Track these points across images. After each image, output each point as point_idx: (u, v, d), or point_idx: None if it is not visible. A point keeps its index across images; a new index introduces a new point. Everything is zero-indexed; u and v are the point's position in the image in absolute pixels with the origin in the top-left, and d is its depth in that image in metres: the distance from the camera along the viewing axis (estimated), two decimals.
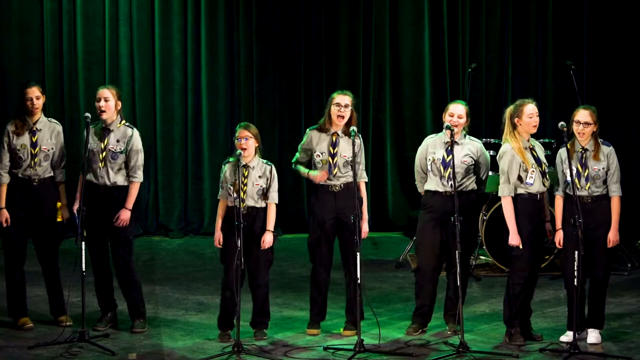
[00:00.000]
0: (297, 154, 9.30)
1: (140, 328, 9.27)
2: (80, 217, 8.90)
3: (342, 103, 9.14)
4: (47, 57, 13.17)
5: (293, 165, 9.36)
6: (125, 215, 9.15)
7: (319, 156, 9.17)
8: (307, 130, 9.31)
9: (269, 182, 8.99)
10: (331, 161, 9.14)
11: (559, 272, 10.56)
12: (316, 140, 9.20)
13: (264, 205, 8.99)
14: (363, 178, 9.23)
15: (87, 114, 9.15)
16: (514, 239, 8.80)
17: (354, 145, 8.98)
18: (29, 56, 13.17)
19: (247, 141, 8.93)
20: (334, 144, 9.16)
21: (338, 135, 9.17)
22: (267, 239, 8.97)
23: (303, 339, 9.11)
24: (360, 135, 9.16)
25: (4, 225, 9.21)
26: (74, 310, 9.37)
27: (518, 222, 8.81)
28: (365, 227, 9.11)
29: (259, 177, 8.97)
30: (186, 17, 13.39)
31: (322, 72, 13.61)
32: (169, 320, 9.63)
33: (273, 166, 9.07)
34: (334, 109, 9.14)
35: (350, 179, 9.10)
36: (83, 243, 8.86)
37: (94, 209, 9.13)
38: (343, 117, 9.13)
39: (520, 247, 8.80)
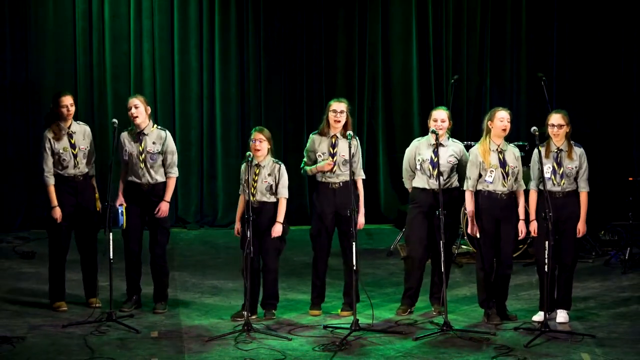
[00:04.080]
0: (304, 159, 9.28)
1: (162, 309, 9.25)
2: (108, 211, 8.88)
3: (338, 109, 9.13)
4: (78, 70, 13.17)
5: (302, 171, 9.33)
6: (165, 207, 9.16)
7: (321, 157, 9.16)
8: (310, 135, 9.30)
9: (277, 179, 8.98)
10: (332, 160, 9.12)
11: (532, 260, 10.55)
12: (318, 143, 9.19)
13: (273, 199, 8.97)
14: (360, 175, 9.22)
15: (115, 120, 9.12)
16: (471, 228, 8.81)
17: (350, 146, 8.96)
18: (63, 69, 13.16)
19: (261, 143, 8.94)
20: (333, 145, 9.15)
21: (337, 137, 9.16)
22: (276, 229, 8.97)
23: (305, 319, 9.10)
24: (357, 137, 9.16)
25: (59, 221, 9.19)
26: (102, 293, 9.35)
27: (477, 214, 8.82)
28: (361, 219, 9.08)
29: (268, 175, 8.96)
30: (202, 34, 13.39)
31: (322, 83, 13.59)
32: (187, 302, 9.62)
33: (282, 165, 9.05)
34: (331, 115, 9.13)
35: (348, 177, 9.09)
36: (110, 234, 8.85)
37: (135, 205, 9.14)
38: (339, 121, 9.13)
39: (477, 235, 8.80)
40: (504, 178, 8.83)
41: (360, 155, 9.24)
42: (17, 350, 8.14)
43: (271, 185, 8.96)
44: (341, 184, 9.12)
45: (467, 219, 8.80)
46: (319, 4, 13.52)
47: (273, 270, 9.06)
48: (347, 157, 9.07)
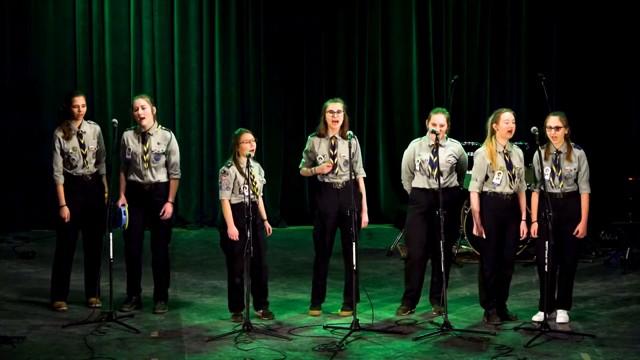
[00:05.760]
0: (303, 160, 9.28)
1: (162, 309, 9.25)
2: (108, 211, 8.87)
3: (334, 110, 9.12)
4: (78, 70, 13.17)
5: (300, 172, 9.33)
6: (170, 208, 9.20)
7: (322, 159, 9.15)
8: (309, 137, 9.29)
9: (262, 177, 9.02)
10: (333, 162, 9.12)
11: (532, 260, 10.56)
12: (317, 145, 9.18)
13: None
14: (361, 174, 9.22)
15: (115, 120, 9.12)
16: (477, 230, 8.81)
17: (350, 146, 8.95)
18: (63, 69, 13.16)
19: (254, 144, 8.93)
20: (333, 147, 9.14)
21: (336, 138, 9.15)
22: (270, 228, 9.04)
23: (305, 319, 9.10)
24: (355, 137, 9.15)
25: (67, 220, 9.17)
26: (102, 293, 9.35)
27: (482, 216, 8.81)
28: (365, 217, 9.13)
29: (259, 174, 8.98)
30: (202, 34, 13.39)
31: (322, 83, 13.59)
32: (187, 302, 9.61)
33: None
34: (328, 116, 9.12)
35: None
36: (111, 234, 8.84)
37: (137, 205, 9.12)
38: (338, 121, 9.12)
39: (483, 237, 8.80)
40: (510, 180, 8.82)
41: (360, 154, 9.24)
42: (17, 350, 8.14)
43: (264, 184, 9.00)
44: (344, 183, 9.12)
45: (466, 219, 8.87)
46: (319, 4, 13.52)
47: (267, 268, 9.11)
48: (347, 157, 9.07)
